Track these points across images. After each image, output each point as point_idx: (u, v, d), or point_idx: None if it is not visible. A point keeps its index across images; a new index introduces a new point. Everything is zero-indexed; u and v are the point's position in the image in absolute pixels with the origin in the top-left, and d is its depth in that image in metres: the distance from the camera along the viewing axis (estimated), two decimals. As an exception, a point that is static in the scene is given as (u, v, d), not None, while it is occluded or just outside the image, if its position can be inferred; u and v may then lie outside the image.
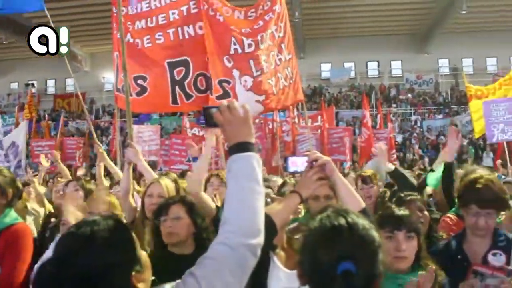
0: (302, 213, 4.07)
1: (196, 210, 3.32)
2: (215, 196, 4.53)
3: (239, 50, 7.95)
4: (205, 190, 4.44)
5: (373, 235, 1.58)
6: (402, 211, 2.87)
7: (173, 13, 7.71)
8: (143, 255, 2.60)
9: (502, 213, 3.89)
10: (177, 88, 7.63)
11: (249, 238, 1.69)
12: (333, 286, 1.46)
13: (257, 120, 13.56)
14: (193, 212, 3.28)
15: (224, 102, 1.91)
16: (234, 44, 7.95)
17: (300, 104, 12.41)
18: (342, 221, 1.58)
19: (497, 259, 2.76)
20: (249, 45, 7.97)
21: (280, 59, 8.39)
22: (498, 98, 11.59)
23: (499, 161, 10.92)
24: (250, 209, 1.74)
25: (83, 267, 1.58)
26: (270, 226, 2.35)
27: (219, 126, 1.92)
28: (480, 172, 3.02)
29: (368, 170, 5.69)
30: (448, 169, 4.53)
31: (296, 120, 15.85)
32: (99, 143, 7.27)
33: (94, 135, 7.79)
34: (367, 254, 1.54)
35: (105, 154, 6.40)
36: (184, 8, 7.79)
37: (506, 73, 12.78)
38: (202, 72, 7.82)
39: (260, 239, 1.72)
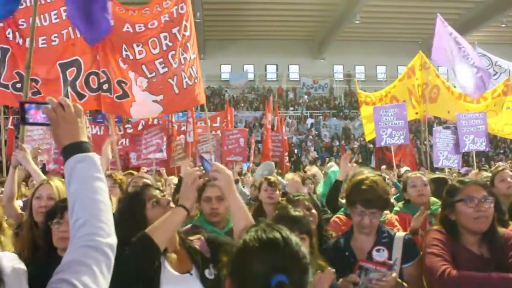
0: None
1: None
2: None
3: (131, 57, 7.89)
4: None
5: (305, 251, 1.62)
6: (297, 212, 2.97)
7: (65, 11, 7.44)
8: None
9: (386, 212, 4.17)
10: (69, 89, 7.39)
11: (109, 237, 1.67)
12: None
13: (156, 121, 13.38)
14: None
15: (53, 98, 1.80)
16: (126, 50, 7.86)
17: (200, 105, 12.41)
18: (278, 235, 1.60)
19: (380, 255, 2.94)
20: (140, 52, 7.91)
21: (185, 58, 8.37)
22: (387, 104, 12.32)
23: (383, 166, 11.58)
24: (105, 210, 1.72)
25: None
26: (151, 246, 2.36)
27: (37, 124, 1.84)
28: (366, 173, 3.20)
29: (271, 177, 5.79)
30: (336, 186, 5.05)
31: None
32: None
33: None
34: (299, 269, 1.58)
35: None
36: None
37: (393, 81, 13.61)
38: (94, 70, 7.64)
39: (115, 238, 1.71)
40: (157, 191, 2.79)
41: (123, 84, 7.86)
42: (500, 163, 14.14)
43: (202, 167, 2.55)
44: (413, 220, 3.94)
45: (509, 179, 4.79)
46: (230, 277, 1.63)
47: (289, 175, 9.18)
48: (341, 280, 2.74)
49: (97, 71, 7.66)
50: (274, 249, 1.57)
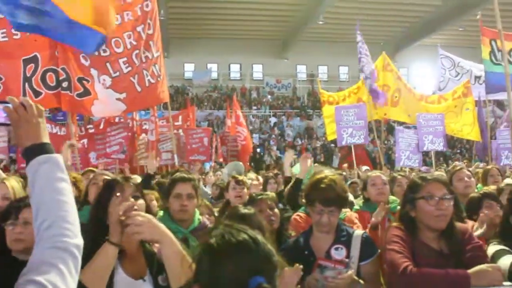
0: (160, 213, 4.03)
1: None
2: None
3: (95, 53, 7.71)
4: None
5: (273, 250, 1.60)
6: (246, 210, 2.96)
7: None
8: None
9: (344, 210, 4.22)
10: (26, 85, 7.18)
11: (76, 238, 1.66)
12: None
13: (117, 119, 13.19)
14: None
15: (14, 98, 1.77)
16: None
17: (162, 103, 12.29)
18: (246, 236, 1.57)
19: (339, 253, 2.97)
20: (104, 51, 7.76)
21: (147, 57, 8.27)
22: (348, 104, 12.48)
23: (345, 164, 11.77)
24: (71, 211, 1.70)
25: None
26: None
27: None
28: (325, 172, 3.21)
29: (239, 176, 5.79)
30: (296, 184, 5.23)
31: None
32: None
33: None
34: (272, 267, 1.56)
35: None
36: None
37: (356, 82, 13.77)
38: (52, 67, 7.43)
39: (82, 238, 1.69)
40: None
41: (84, 82, 7.70)
42: (457, 163, 14.50)
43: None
44: (374, 216, 3.99)
45: (466, 179, 4.91)
46: (200, 285, 1.59)
47: (252, 175, 9.21)
48: (307, 278, 2.76)
49: (55, 68, 7.46)
50: (246, 251, 1.55)
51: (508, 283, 2.67)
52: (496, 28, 7.29)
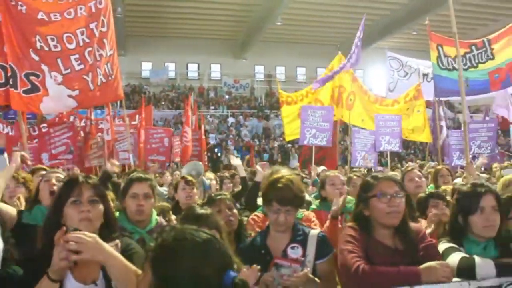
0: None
1: None
2: (18, 199, 4.24)
3: (45, 48, 7.52)
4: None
5: (228, 249, 1.65)
6: (203, 210, 2.96)
7: None
8: None
9: (301, 210, 4.27)
10: None
11: None
12: None
13: (65, 119, 12.91)
14: None
15: None
16: (39, 41, 7.50)
17: (119, 102, 12.11)
18: (205, 235, 1.60)
19: (295, 252, 3.01)
20: (55, 46, 7.58)
21: (100, 55, 8.11)
22: (316, 105, 12.58)
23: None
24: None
25: None
26: None
27: None
28: (282, 172, 3.24)
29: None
30: (254, 186, 5.40)
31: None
32: None
33: None
34: (232, 262, 1.63)
35: None
36: None
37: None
38: (1, 64, 7.20)
39: (2, 242, 1.66)
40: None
41: (33, 78, 7.46)
42: (410, 163, 14.85)
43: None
44: (334, 203, 4.02)
45: (416, 179, 5.08)
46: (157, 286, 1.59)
47: (210, 175, 9.21)
48: (263, 277, 2.76)
49: (4, 64, 7.23)
50: (213, 248, 1.58)
51: (456, 279, 2.77)
52: (450, 32, 7.53)
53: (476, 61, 10.09)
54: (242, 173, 6.86)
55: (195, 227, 1.66)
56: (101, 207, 2.56)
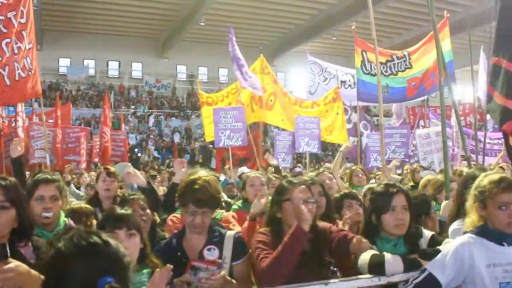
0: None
1: None
2: None
3: None
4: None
5: (124, 252, 1.66)
6: (123, 211, 2.91)
7: None
8: None
9: (220, 211, 4.28)
10: None
11: None
12: None
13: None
14: None
15: None
16: None
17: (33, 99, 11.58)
18: (96, 239, 1.61)
19: (211, 254, 3.00)
20: None
21: (19, 48, 7.62)
22: (226, 106, 12.59)
23: (226, 166, 11.88)
24: None
25: None
26: None
27: None
28: (199, 173, 3.23)
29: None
30: (172, 188, 5.07)
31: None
32: None
33: None
34: (122, 267, 1.62)
35: None
36: None
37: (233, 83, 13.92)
38: None
39: None
40: None
41: None
42: (327, 164, 15.27)
43: None
44: (253, 206, 4.04)
45: (327, 181, 5.29)
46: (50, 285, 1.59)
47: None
48: (175, 280, 2.74)
49: None
50: (96, 252, 1.59)
51: (367, 275, 2.88)
52: (370, 38, 7.81)
53: (396, 69, 10.62)
54: (176, 179, 6.71)
55: (91, 230, 1.67)
56: (11, 212, 2.43)
